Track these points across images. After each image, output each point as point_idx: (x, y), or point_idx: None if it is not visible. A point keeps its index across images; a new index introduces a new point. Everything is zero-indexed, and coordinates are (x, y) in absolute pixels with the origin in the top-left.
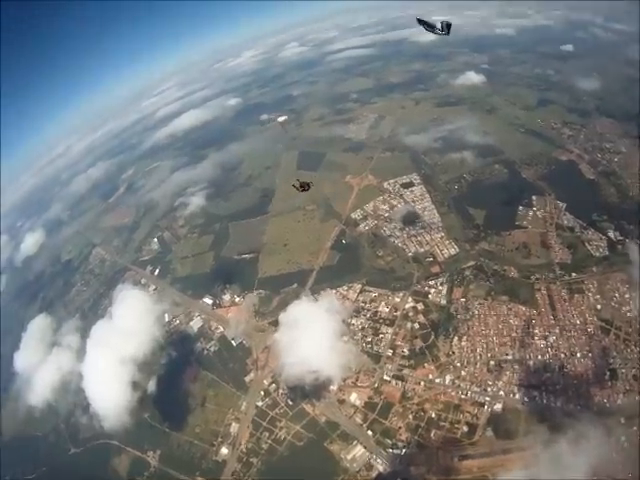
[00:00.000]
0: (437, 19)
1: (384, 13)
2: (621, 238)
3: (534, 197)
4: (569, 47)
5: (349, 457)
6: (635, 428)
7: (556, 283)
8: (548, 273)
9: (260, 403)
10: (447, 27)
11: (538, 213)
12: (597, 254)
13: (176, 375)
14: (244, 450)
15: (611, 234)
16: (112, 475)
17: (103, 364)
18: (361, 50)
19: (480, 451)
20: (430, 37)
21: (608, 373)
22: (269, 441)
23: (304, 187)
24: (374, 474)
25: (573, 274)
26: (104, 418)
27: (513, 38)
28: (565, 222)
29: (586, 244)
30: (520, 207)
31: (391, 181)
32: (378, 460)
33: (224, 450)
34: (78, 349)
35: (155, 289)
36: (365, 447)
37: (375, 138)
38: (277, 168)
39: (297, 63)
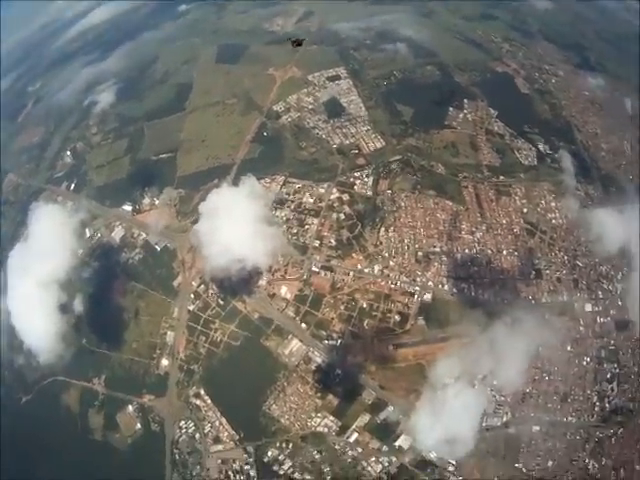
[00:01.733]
0: None
1: None
2: (550, 152)
3: (465, 100)
4: None
5: (286, 352)
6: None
7: (484, 183)
8: (476, 173)
9: (192, 307)
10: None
11: (469, 116)
12: (526, 162)
13: (105, 291)
14: (183, 358)
15: (541, 147)
16: (66, 414)
17: (25, 293)
18: None
19: (413, 339)
20: None
21: (533, 272)
22: (206, 345)
23: (298, 43)
24: (313, 366)
25: (501, 177)
26: (41, 353)
27: None
28: (496, 128)
29: (515, 151)
30: (450, 108)
31: (316, 74)
32: (315, 352)
33: (164, 361)
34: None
35: (72, 204)
36: (301, 340)
37: (302, 31)
38: (195, 62)
39: None
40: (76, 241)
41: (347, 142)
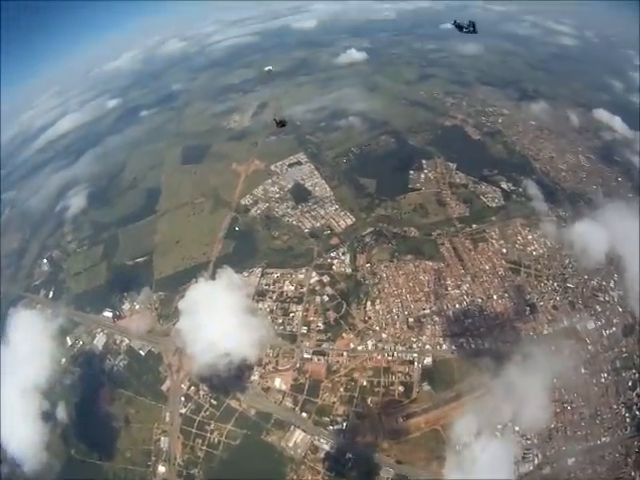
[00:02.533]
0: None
1: (267, 4)
2: (514, 188)
3: (424, 161)
4: (448, 25)
5: (290, 444)
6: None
7: (458, 236)
8: (449, 228)
9: (184, 410)
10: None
11: (430, 175)
12: (493, 204)
13: (92, 400)
14: (181, 463)
15: (504, 185)
16: None
17: (6, 400)
18: (244, 38)
19: (423, 406)
20: (312, 23)
21: (528, 308)
22: (204, 447)
23: (282, 124)
24: (322, 455)
25: (474, 225)
26: (25, 462)
27: (394, 22)
28: (457, 180)
29: (481, 197)
30: (411, 171)
31: (278, 163)
32: (321, 440)
33: (161, 468)
34: None
35: (52, 312)
36: (304, 430)
37: (259, 124)
38: (161, 166)
39: (178, 59)
40: (58, 349)
41: (318, 224)
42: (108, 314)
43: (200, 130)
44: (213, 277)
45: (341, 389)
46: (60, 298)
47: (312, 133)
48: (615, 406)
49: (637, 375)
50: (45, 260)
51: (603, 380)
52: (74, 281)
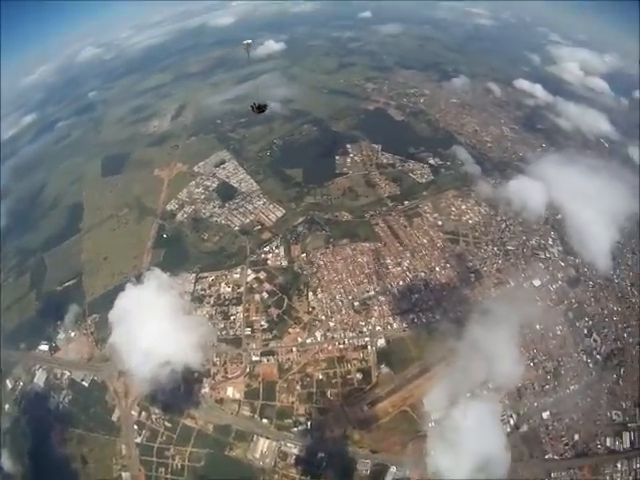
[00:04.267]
0: None
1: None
2: (441, 162)
3: (348, 145)
4: (367, 14)
5: (257, 455)
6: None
7: (392, 214)
8: (381, 207)
9: (139, 439)
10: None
11: (356, 158)
12: (423, 180)
13: (42, 446)
14: None
15: (432, 161)
16: None
17: None
18: (160, 39)
19: (385, 390)
20: (229, 20)
21: (472, 275)
22: (169, 476)
23: (261, 109)
24: (293, 460)
25: (406, 202)
26: None
27: (311, 14)
28: (384, 160)
29: (410, 174)
30: (337, 157)
31: (201, 164)
32: (289, 444)
33: None
34: None
35: None
36: (268, 437)
37: (179, 127)
38: (82, 180)
39: (94, 67)
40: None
41: (248, 220)
42: (44, 347)
43: (119, 138)
44: (141, 281)
45: (297, 387)
46: None
47: (233, 130)
48: (576, 354)
49: (590, 322)
50: None
51: (559, 332)
52: (4, 317)
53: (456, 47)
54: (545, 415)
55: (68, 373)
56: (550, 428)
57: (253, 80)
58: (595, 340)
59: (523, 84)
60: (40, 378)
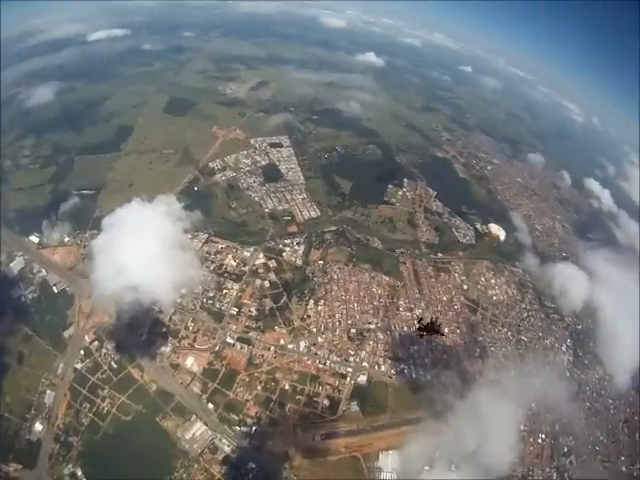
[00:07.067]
0: None
1: None
2: (487, 232)
3: (405, 179)
4: (468, 68)
5: (187, 436)
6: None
7: (422, 260)
8: (414, 249)
9: (79, 365)
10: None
11: (408, 194)
12: (464, 241)
13: None
14: (61, 426)
15: (479, 226)
16: None
17: None
18: (264, 11)
19: (346, 428)
20: (340, 24)
21: (478, 350)
22: (90, 414)
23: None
24: (220, 457)
25: (439, 254)
26: None
27: (417, 49)
28: (434, 207)
29: (453, 230)
30: (390, 185)
31: (259, 139)
32: (224, 440)
33: (38, 426)
34: None
35: None
36: (206, 424)
37: (253, 99)
38: (143, 107)
39: (196, 16)
40: None
41: (280, 208)
42: (35, 239)
43: (194, 86)
44: (151, 199)
45: (259, 387)
46: None
47: (303, 122)
48: (548, 469)
49: (573, 442)
50: None
51: (540, 441)
52: (13, 196)
53: (540, 133)
54: None
55: (44, 272)
56: None
57: (339, 84)
58: (571, 462)
59: (593, 185)
60: (17, 265)
